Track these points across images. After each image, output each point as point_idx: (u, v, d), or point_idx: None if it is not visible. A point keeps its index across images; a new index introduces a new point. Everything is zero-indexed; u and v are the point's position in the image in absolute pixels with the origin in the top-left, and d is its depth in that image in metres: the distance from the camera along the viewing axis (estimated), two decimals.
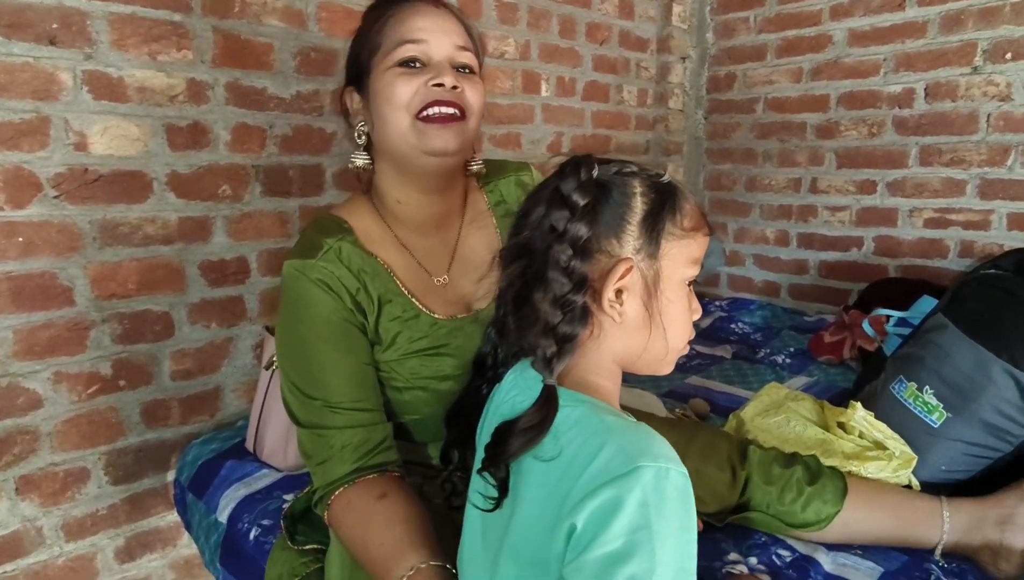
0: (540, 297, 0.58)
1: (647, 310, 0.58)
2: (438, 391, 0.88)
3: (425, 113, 0.83)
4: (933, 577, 0.94)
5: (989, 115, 1.89)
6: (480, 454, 0.61)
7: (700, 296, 2.54)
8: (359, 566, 0.81)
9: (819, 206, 2.27)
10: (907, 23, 2.00)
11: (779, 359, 1.88)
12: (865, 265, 2.18)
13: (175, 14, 1.32)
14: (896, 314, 1.33)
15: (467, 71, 0.87)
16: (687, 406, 1.53)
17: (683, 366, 1.86)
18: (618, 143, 2.38)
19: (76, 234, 1.25)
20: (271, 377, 1.26)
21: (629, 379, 1.76)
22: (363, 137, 0.89)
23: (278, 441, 1.25)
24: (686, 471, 0.50)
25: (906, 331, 1.26)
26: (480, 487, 0.59)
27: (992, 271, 1.16)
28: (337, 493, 0.81)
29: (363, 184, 0.93)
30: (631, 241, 0.58)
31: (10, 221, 1.18)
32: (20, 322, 1.21)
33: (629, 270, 0.57)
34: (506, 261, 0.62)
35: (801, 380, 1.72)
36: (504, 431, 0.56)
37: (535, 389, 0.56)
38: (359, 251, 0.86)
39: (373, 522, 0.77)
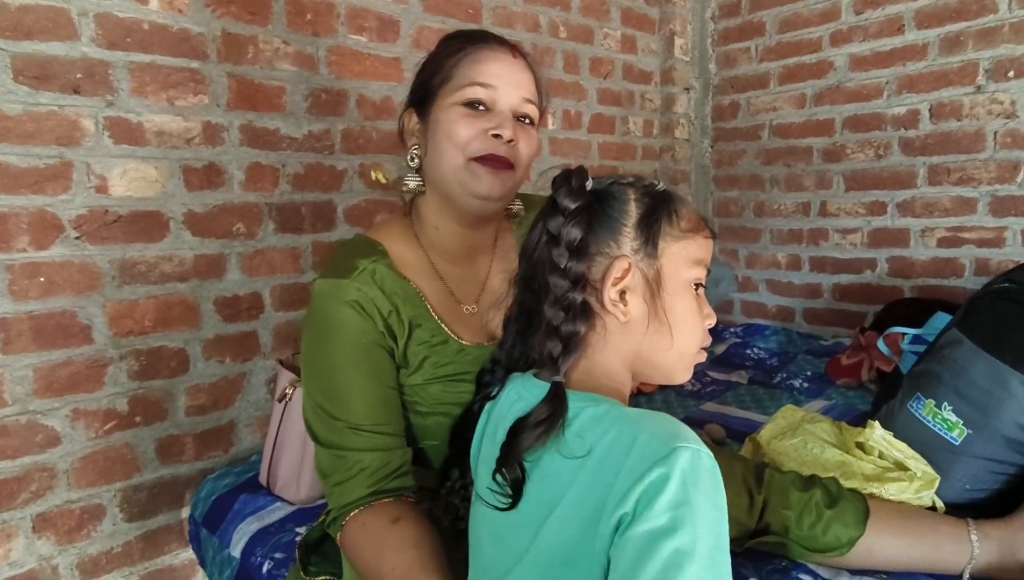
0: (543, 303, 0.59)
1: (651, 308, 0.59)
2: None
3: (479, 156, 0.84)
4: None
5: (996, 132, 1.89)
6: (478, 472, 0.61)
7: (714, 323, 2.53)
8: None
9: (830, 229, 2.27)
10: (907, 46, 2.03)
11: (796, 383, 1.85)
12: (879, 287, 2.16)
13: (192, 61, 1.37)
14: (911, 331, 1.31)
15: (527, 121, 0.88)
16: (703, 432, 1.51)
17: (698, 392, 1.85)
18: (625, 173, 2.40)
19: (96, 273, 1.28)
20: (284, 410, 1.27)
21: (644, 406, 1.74)
22: (416, 160, 0.91)
23: (291, 474, 1.25)
24: (713, 454, 0.51)
25: (921, 348, 1.24)
26: (494, 489, 0.59)
27: (1006, 285, 1.15)
28: (352, 515, 0.81)
29: (405, 205, 0.96)
30: (628, 242, 0.60)
31: (33, 262, 1.22)
32: (40, 360, 1.23)
33: (628, 269, 0.59)
34: (516, 278, 0.65)
35: (819, 404, 1.69)
36: (516, 428, 0.57)
37: (540, 392, 0.57)
38: (393, 274, 0.87)
39: (386, 545, 0.77)
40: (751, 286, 2.51)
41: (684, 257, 0.61)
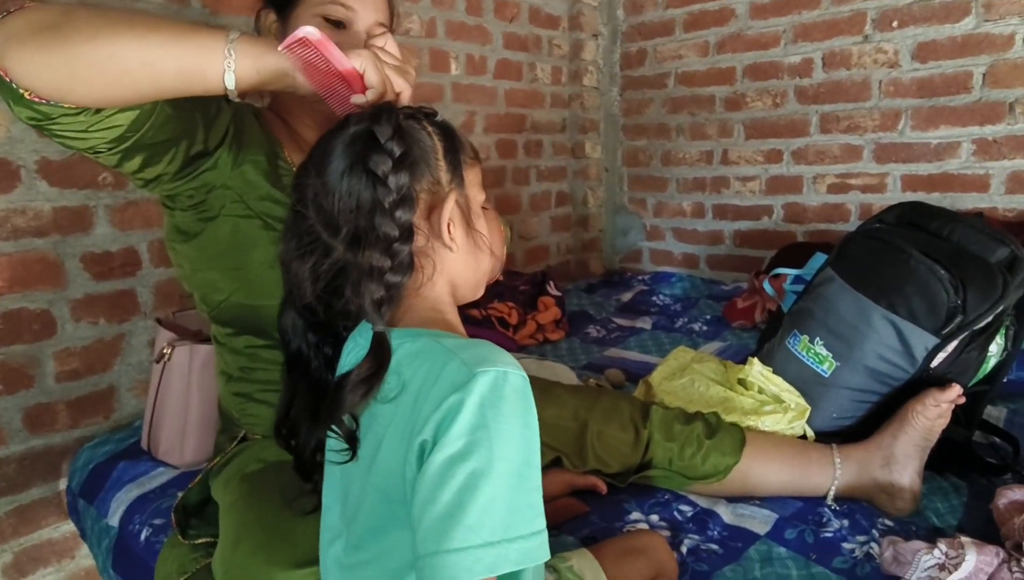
0: (363, 248, 0.56)
1: (468, 235, 0.63)
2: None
3: None
4: (825, 519, 0.97)
5: (880, 81, 1.97)
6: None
7: (623, 272, 2.58)
8: (244, 536, 0.78)
9: (731, 177, 2.33)
10: None
11: (696, 327, 1.92)
12: (776, 232, 2.25)
13: None
14: (792, 272, 1.37)
15: None
16: (603, 377, 1.54)
17: (603, 339, 1.88)
18: (533, 121, 2.37)
19: None
20: (163, 371, 1.20)
21: (550, 355, 1.75)
22: None
23: (174, 438, 1.19)
24: (526, 375, 0.52)
25: (801, 288, 1.30)
26: (333, 444, 0.58)
27: (876, 225, 1.21)
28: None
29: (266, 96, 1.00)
30: (443, 176, 0.62)
31: None
32: None
33: (456, 201, 0.61)
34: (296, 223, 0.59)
35: (715, 345, 1.76)
36: (338, 386, 0.55)
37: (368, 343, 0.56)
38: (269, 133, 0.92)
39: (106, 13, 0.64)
40: (659, 235, 2.57)
41: (475, 182, 0.65)
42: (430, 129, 0.62)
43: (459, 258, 0.62)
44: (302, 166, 0.61)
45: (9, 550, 1.28)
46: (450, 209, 0.60)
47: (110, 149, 0.73)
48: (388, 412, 0.54)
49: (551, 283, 1.95)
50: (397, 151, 0.57)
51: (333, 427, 0.55)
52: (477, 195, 0.65)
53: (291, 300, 0.62)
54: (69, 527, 1.34)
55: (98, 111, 0.66)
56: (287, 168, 0.92)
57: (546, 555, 0.50)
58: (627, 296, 2.26)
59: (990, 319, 1.01)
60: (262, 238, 0.89)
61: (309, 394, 0.62)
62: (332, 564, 0.58)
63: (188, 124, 0.78)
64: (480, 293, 0.67)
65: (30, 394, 1.28)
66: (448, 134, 0.63)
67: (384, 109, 0.59)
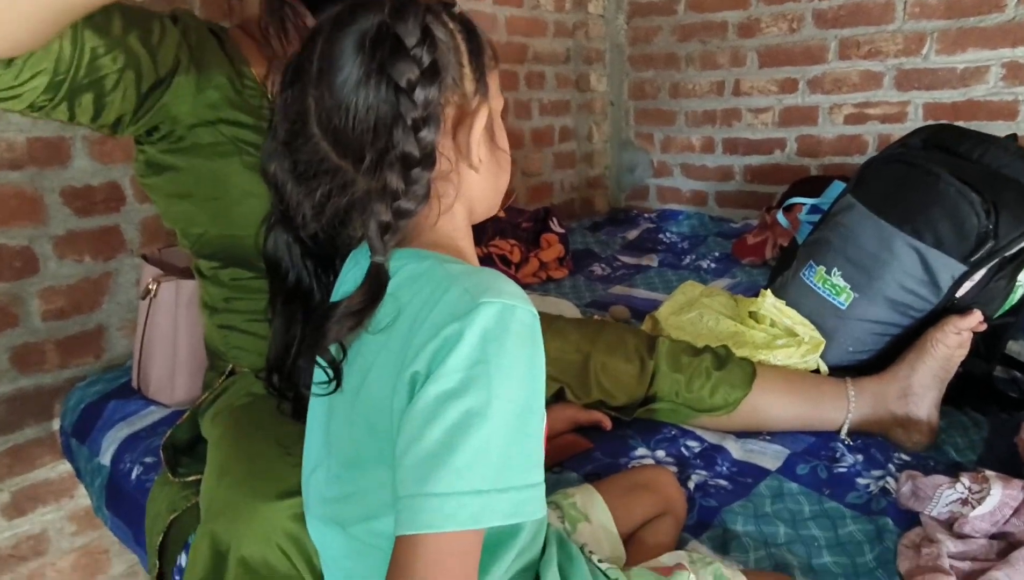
0: (377, 163, 0.48)
1: (493, 153, 0.56)
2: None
3: None
4: (839, 454, 0.94)
5: (905, 2, 1.84)
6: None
7: (629, 210, 2.51)
8: (229, 468, 0.75)
9: (742, 109, 2.22)
10: None
11: (704, 264, 1.86)
12: (788, 167, 2.16)
13: None
14: (808, 201, 1.30)
15: None
16: (607, 314, 1.49)
17: (608, 277, 1.83)
18: (535, 51, 2.25)
19: None
20: (149, 308, 1.15)
21: (553, 292, 1.70)
22: None
23: (164, 375, 1.15)
24: (536, 312, 0.46)
25: (818, 218, 1.23)
26: (318, 375, 0.53)
27: (900, 149, 1.13)
28: None
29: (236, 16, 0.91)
30: (468, 84, 0.52)
31: None
32: None
33: (486, 113, 0.53)
34: (309, 117, 0.49)
35: (724, 282, 1.70)
36: (323, 316, 0.49)
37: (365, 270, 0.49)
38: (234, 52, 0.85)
39: None
40: (666, 171, 2.48)
41: (495, 89, 0.56)
42: (452, 26, 0.51)
43: (481, 179, 0.55)
44: (293, 71, 0.50)
45: (6, 489, 1.26)
46: (480, 128, 0.52)
47: (51, 101, 0.66)
48: (379, 340, 0.48)
49: (554, 219, 1.89)
50: (426, 59, 0.47)
51: (315, 361, 0.50)
52: (496, 104, 0.56)
53: (284, 223, 0.53)
54: (66, 467, 1.32)
55: (10, 63, 0.59)
56: (254, 87, 0.85)
57: (540, 511, 0.44)
58: (633, 234, 2.19)
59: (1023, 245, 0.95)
60: (235, 164, 0.83)
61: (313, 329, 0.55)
62: (314, 496, 0.54)
63: (128, 55, 0.71)
64: (495, 212, 0.60)
65: (16, 333, 1.24)
66: (471, 32, 0.53)
67: (407, 2, 0.48)
